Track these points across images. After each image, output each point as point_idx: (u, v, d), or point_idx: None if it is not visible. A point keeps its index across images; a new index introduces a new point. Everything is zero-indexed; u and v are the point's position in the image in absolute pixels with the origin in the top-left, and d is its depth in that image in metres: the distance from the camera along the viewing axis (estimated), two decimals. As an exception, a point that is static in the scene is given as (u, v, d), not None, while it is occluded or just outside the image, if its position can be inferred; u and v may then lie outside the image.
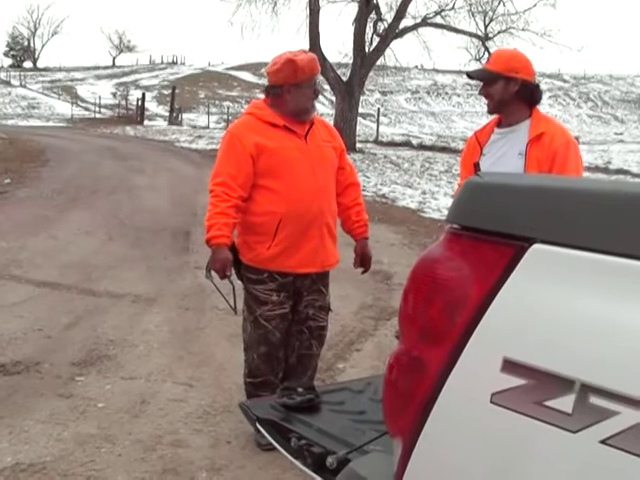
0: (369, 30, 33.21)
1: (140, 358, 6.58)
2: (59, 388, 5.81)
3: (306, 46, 30.36)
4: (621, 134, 55.82)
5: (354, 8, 32.96)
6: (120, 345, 6.86)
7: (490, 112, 4.82)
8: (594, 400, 1.60)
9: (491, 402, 1.77)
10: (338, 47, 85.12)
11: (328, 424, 3.04)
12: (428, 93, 79.81)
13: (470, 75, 4.97)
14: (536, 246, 1.80)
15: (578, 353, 1.66)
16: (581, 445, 1.62)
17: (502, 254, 1.85)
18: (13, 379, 5.94)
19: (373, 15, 33.15)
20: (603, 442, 1.58)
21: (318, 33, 31.32)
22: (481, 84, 4.75)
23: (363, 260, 5.22)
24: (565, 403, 1.64)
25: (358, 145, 32.62)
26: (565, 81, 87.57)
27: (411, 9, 34.14)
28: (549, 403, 1.67)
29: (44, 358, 6.40)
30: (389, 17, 33.44)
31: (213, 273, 4.85)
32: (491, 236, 1.90)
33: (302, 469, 2.83)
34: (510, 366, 1.75)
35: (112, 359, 6.50)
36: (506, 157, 4.62)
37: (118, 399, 5.66)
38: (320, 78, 5.10)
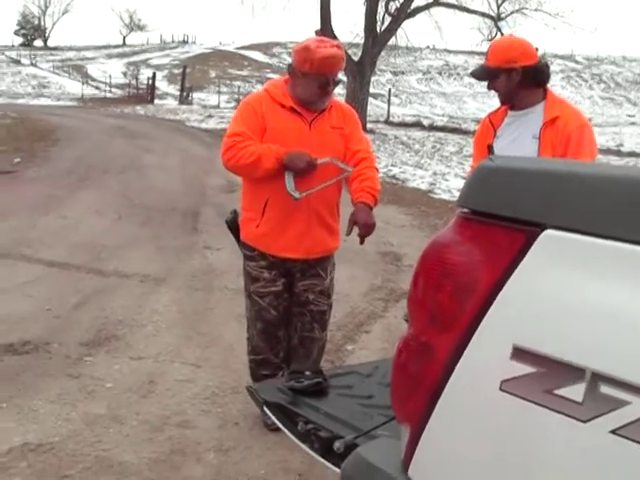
0: (381, 10, 33.10)
1: (148, 338, 6.58)
2: (68, 368, 5.82)
3: (317, 25, 30.30)
4: (633, 116, 55.60)
5: (366, -13, 32.80)
6: (128, 325, 6.86)
7: (503, 104, 4.79)
8: (605, 389, 1.58)
9: (500, 389, 1.75)
10: (349, 27, 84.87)
11: (336, 408, 3.03)
12: (440, 74, 79.52)
13: (473, 75, 4.94)
14: (548, 232, 1.77)
15: (589, 341, 1.63)
16: (591, 435, 1.60)
17: (513, 240, 1.82)
18: (22, 359, 5.95)
19: (385, -6, 33.01)
20: (613, 432, 1.56)
21: (329, 12, 31.19)
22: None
23: (359, 227, 4.70)
24: (575, 392, 1.62)
25: (369, 125, 32.54)
26: (578, 62, 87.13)
27: (423, -12, 34.02)
28: (559, 392, 1.65)
29: (53, 338, 6.41)
30: (401, -4, 33.30)
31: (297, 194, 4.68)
32: (502, 221, 1.87)
33: (309, 453, 2.83)
34: (520, 354, 1.73)
35: (120, 339, 6.51)
36: (520, 140, 4.60)
37: (126, 379, 5.67)
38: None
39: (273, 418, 3.09)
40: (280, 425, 3.03)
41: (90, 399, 5.32)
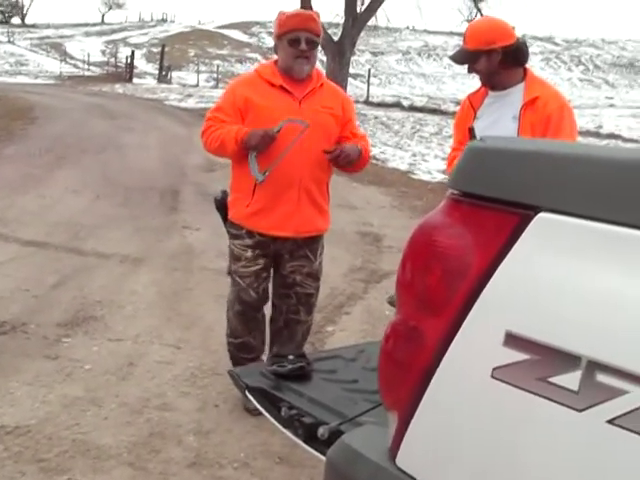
0: (362, -11, 32.87)
1: (127, 319, 6.52)
2: (45, 349, 5.75)
3: (297, 4, 30.13)
4: (612, 98, 55.65)
5: (346, -34, 32.58)
6: (107, 306, 6.79)
7: (484, 86, 4.79)
8: (601, 378, 1.54)
9: (492, 377, 1.71)
10: (330, 7, 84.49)
11: (319, 393, 3.00)
12: (419, 54, 79.31)
13: (453, 59, 4.92)
14: (542, 215, 1.72)
15: (585, 328, 1.59)
16: (586, 424, 1.56)
17: (506, 222, 1.78)
18: (-2, 339, 5.88)
19: (366, -26, 32.79)
20: (610, 422, 1.52)
21: (310, -9, 30.98)
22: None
23: (341, 151, 4.72)
24: (571, 380, 1.58)
25: (348, 106, 32.33)
26: (557, 44, 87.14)
27: (404, -31, 33.85)
28: (554, 380, 1.61)
29: (30, 318, 6.33)
30: (382, -24, 33.08)
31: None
32: (494, 203, 1.82)
33: (292, 439, 2.79)
34: (513, 340, 1.69)
35: (99, 320, 6.44)
36: (500, 121, 4.60)
37: (105, 361, 5.61)
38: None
39: (255, 403, 3.05)
40: (263, 410, 3.00)
41: (68, 381, 5.25)
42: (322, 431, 2.59)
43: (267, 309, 5.16)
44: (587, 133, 25.30)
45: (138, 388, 5.20)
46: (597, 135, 25.52)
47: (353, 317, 6.99)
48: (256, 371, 3.27)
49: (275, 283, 5.07)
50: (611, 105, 43.69)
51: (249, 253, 4.87)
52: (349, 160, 4.74)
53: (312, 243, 4.97)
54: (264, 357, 5.03)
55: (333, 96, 4.96)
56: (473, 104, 4.82)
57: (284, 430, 2.84)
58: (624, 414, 1.50)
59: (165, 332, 6.26)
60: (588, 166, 1.74)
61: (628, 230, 1.59)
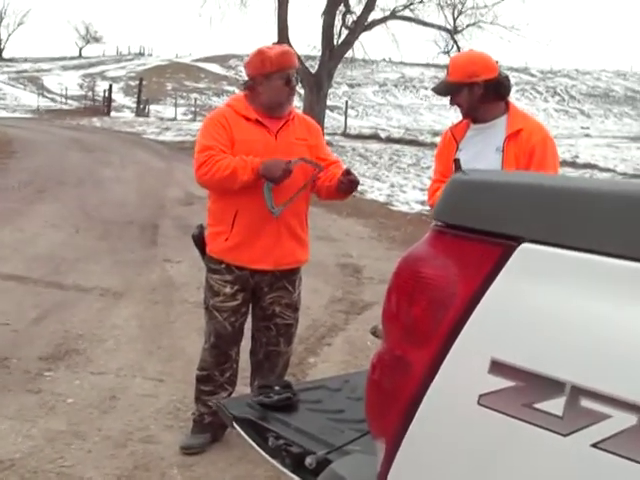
0: (338, 22, 33.14)
1: (109, 353, 6.51)
2: (27, 383, 5.74)
3: (275, 38, 30.32)
4: (587, 128, 56.12)
5: (323, 0, 32.89)
6: (89, 340, 6.79)
7: (465, 118, 4.83)
8: (585, 403, 1.57)
9: (478, 404, 1.74)
10: (307, 40, 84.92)
11: (306, 423, 3.01)
12: (396, 86, 79.74)
13: (435, 91, 4.97)
14: (525, 245, 1.76)
15: (568, 355, 1.63)
16: (572, 449, 1.59)
17: (490, 253, 1.81)
18: (-20, 374, 5.86)
19: (342, 7, 33.06)
20: (594, 446, 1.55)
21: (286, 25, 31.22)
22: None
23: (348, 179, 4.72)
24: (555, 406, 1.61)
25: (326, 138, 32.31)
26: (532, 75, 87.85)
27: (380, 2, 34.11)
28: (539, 405, 1.64)
29: (12, 353, 6.32)
30: (358, 10, 33.39)
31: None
32: (478, 235, 1.86)
33: (280, 469, 2.80)
34: (498, 367, 1.72)
35: (81, 354, 6.43)
36: (483, 152, 4.62)
37: (87, 394, 5.60)
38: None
39: (243, 434, 3.07)
40: (250, 441, 3.01)
41: (51, 415, 5.25)
42: (310, 460, 2.61)
43: (244, 346, 5.15)
44: (564, 163, 25.44)
45: (121, 421, 5.20)
46: (573, 165, 25.69)
47: (334, 348, 7.00)
48: (243, 402, 3.29)
49: (255, 316, 5.06)
50: (587, 135, 44.04)
51: (228, 289, 4.87)
52: (356, 187, 4.83)
53: (291, 275, 4.98)
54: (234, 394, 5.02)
55: (304, 126, 5.00)
56: (455, 136, 4.84)
57: (271, 460, 2.85)
58: (608, 438, 1.53)
59: (147, 365, 6.26)
60: (568, 197, 1.79)
61: (608, 259, 1.63)
